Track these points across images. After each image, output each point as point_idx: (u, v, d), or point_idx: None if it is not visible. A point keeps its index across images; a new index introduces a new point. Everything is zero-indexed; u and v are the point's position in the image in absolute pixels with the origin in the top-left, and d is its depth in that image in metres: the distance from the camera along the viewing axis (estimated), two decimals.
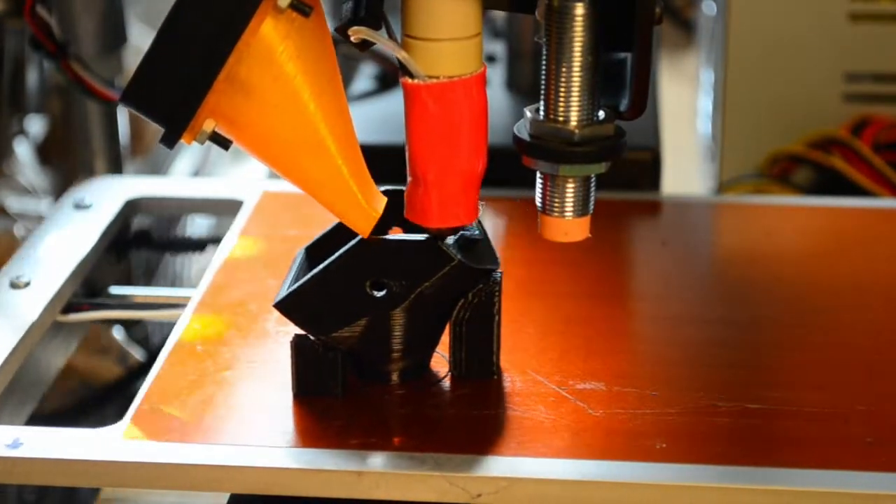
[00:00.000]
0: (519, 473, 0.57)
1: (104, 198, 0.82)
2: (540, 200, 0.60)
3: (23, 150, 1.08)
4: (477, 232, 0.62)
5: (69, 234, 0.77)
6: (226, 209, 0.82)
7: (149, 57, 0.54)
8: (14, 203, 1.05)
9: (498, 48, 1.02)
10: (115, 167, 1.00)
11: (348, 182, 0.58)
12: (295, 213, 0.80)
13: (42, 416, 0.71)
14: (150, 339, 0.96)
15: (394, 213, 0.61)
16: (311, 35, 0.56)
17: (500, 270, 0.62)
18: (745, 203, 0.86)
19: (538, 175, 0.60)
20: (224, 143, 0.57)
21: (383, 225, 0.60)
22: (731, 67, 0.95)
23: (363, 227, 0.59)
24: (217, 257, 0.75)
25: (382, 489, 0.57)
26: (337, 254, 0.60)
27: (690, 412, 0.61)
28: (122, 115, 1.02)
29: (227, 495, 0.61)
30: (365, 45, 0.57)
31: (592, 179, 0.60)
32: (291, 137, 0.56)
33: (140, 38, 1.10)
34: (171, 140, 0.56)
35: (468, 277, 0.61)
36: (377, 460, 0.58)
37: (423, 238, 0.60)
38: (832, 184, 0.92)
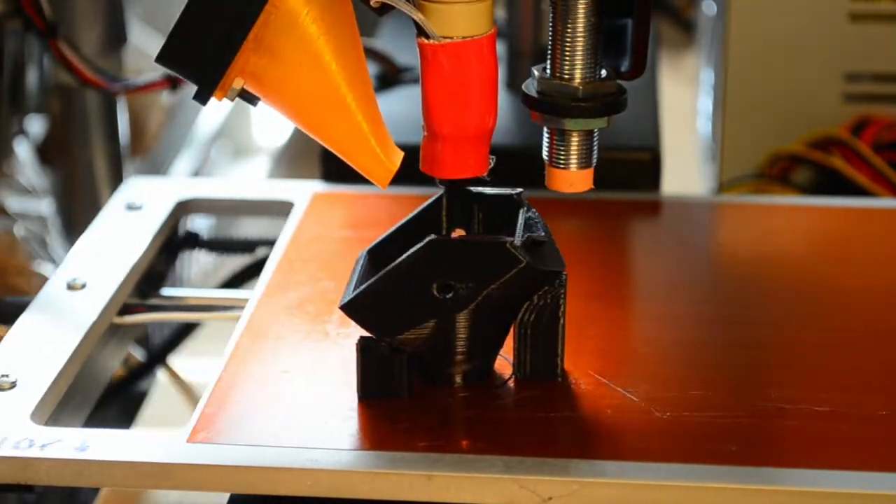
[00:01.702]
0: (590, 476, 0.57)
1: (155, 199, 0.82)
2: (547, 153, 0.64)
3: (23, 150, 1.08)
4: (542, 234, 0.62)
5: (122, 235, 0.78)
6: (276, 211, 0.82)
7: (182, 20, 0.58)
8: (14, 203, 1.05)
9: (498, 48, 1.02)
10: (115, 167, 1.00)
11: (368, 137, 0.60)
12: (345, 215, 0.81)
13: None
14: (150, 340, 0.96)
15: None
16: None
17: (565, 273, 0.62)
18: (745, 203, 0.86)
19: (545, 130, 0.63)
20: (252, 100, 0.60)
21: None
22: (731, 67, 0.95)
23: (381, 179, 0.61)
24: (271, 259, 0.75)
25: (453, 492, 0.57)
26: (404, 256, 0.61)
27: (756, 415, 0.61)
28: (122, 115, 1.02)
29: (227, 495, 0.61)
30: (384, 9, 0.59)
31: (595, 134, 0.63)
32: (315, 95, 0.59)
33: (140, 38, 1.10)
34: (204, 96, 0.59)
35: (535, 279, 0.62)
36: (446, 463, 0.58)
37: (490, 240, 0.61)
38: (832, 184, 0.92)
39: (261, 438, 0.60)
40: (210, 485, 0.58)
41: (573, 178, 0.63)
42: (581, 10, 0.61)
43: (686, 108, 1.19)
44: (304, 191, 0.83)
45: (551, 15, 0.62)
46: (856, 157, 0.91)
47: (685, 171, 1.10)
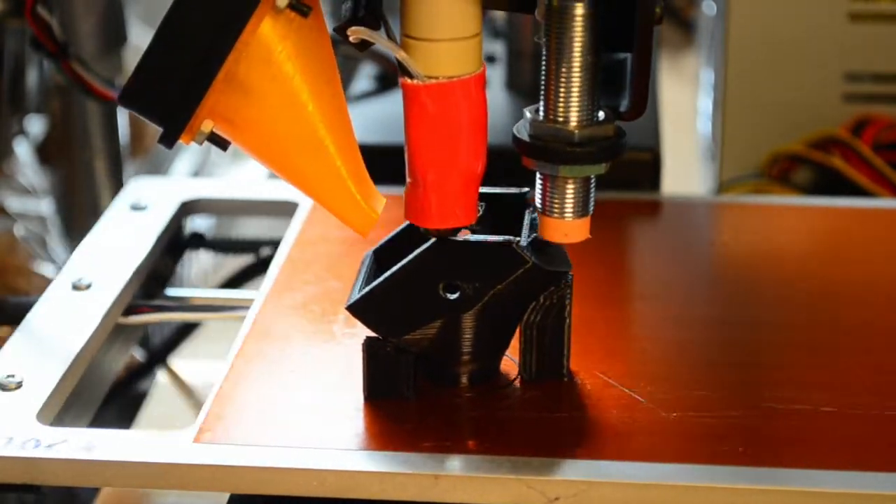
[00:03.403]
0: (597, 476, 0.57)
1: (160, 199, 0.82)
2: (540, 201, 0.60)
3: (23, 150, 1.08)
4: None
5: (127, 235, 0.78)
6: (281, 211, 0.82)
7: (147, 57, 0.54)
8: (14, 203, 1.05)
9: (498, 48, 1.02)
10: (115, 167, 1.00)
11: (347, 183, 0.58)
12: None
13: None
14: (150, 340, 0.96)
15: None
16: (310, 35, 0.56)
17: (571, 273, 0.62)
18: (745, 203, 0.86)
19: (538, 176, 0.60)
20: (222, 144, 0.56)
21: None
22: (731, 67, 0.95)
23: (362, 227, 0.59)
24: (276, 259, 0.75)
25: (459, 492, 0.57)
26: (410, 256, 0.60)
27: (760, 416, 0.61)
28: (122, 115, 1.02)
29: (227, 495, 0.61)
30: (364, 46, 0.57)
31: (592, 180, 0.60)
32: (290, 138, 0.56)
33: (140, 38, 1.10)
34: (169, 140, 0.55)
35: (541, 280, 0.61)
36: (453, 463, 0.58)
37: (497, 240, 0.60)
38: (832, 184, 0.92)
39: (267, 439, 0.60)
40: (216, 485, 0.58)
41: (568, 228, 0.60)
42: (577, 48, 0.57)
43: (686, 108, 1.20)
44: None
45: (545, 52, 0.57)
46: (856, 157, 0.91)
47: (685, 171, 1.11)
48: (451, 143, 0.58)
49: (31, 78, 1.01)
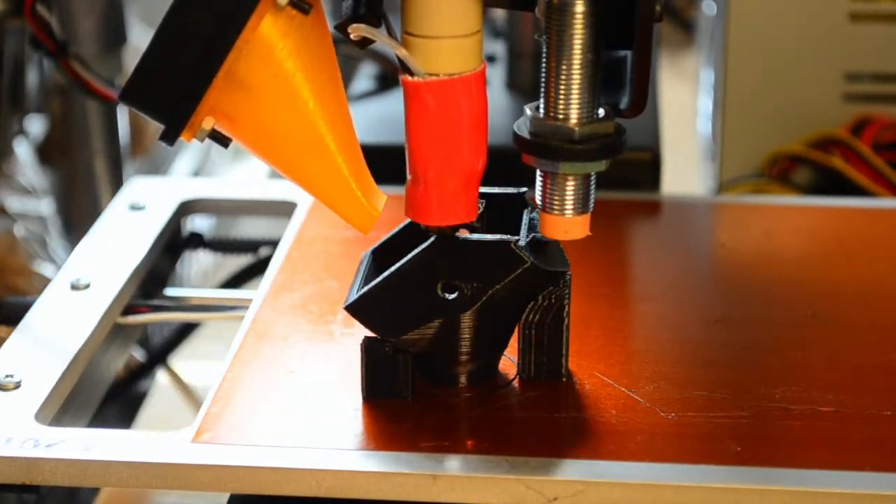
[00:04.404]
0: (595, 477, 0.57)
1: (158, 199, 0.82)
2: (540, 198, 0.60)
3: (23, 150, 1.08)
4: None
5: (125, 235, 0.78)
6: (279, 211, 0.82)
7: (148, 54, 0.54)
8: (14, 203, 1.05)
9: (498, 48, 1.02)
10: (115, 167, 1.00)
11: (348, 180, 0.58)
12: None
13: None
14: (150, 340, 0.96)
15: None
16: (311, 33, 0.56)
17: (570, 273, 0.62)
18: (745, 203, 0.86)
19: (538, 173, 0.60)
20: (223, 141, 0.57)
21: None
22: (731, 67, 0.95)
23: (363, 225, 0.59)
24: (274, 260, 0.75)
25: (458, 492, 0.57)
26: (409, 256, 0.60)
27: (760, 416, 0.61)
28: (122, 115, 1.02)
29: (227, 495, 0.61)
30: (364, 43, 0.57)
31: (592, 177, 0.60)
32: (290, 135, 0.56)
33: (140, 38, 1.10)
34: (170, 138, 0.56)
35: (539, 280, 0.61)
36: (451, 463, 0.58)
37: (495, 240, 0.60)
38: (832, 184, 0.92)
39: (265, 439, 0.60)
40: (215, 485, 0.58)
41: (568, 225, 0.60)
42: (577, 45, 0.57)
43: (686, 108, 1.20)
44: None
45: (545, 50, 0.58)
46: (856, 157, 0.91)
47: (685, 171, 1.11)
48: (451, 140, 0.58)
49: (31, 78, 1.01)
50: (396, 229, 0.64)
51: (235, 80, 0.55)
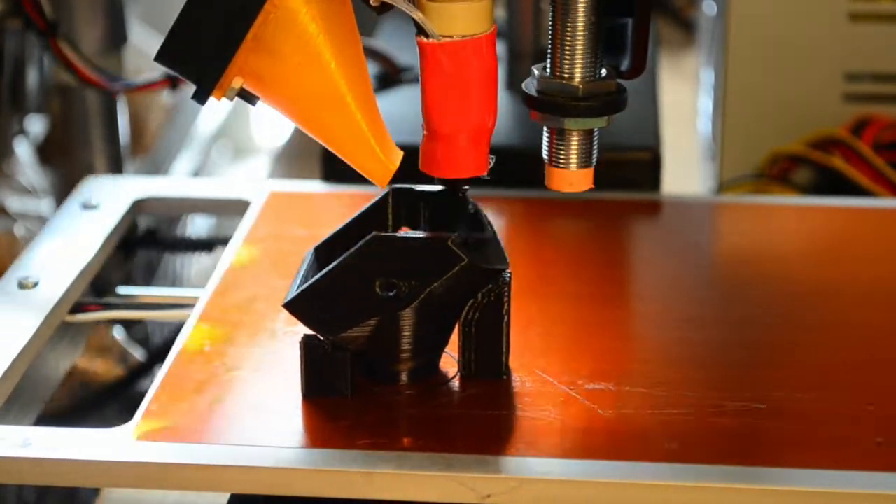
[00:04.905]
0: (529, 473, 0.57)
1: (111, 198, 0.82)
2: (546, 153, 0.63)
3: (23, 150, 1.08)
4: (487, 232, 0.63)
5: (76, 233, 0.77)
6: (233, 209, 0.82)
7: (181, 18, 0.58)
8: (14, 203, 1.05)
9: (498, 48, 1.02)
10: (116, 167, 1.00)
11: (367, 136, 0.60)
12: (301, 214, 0.80)
13: (42, 417, 0.71)
14: (150, 340, 0.96)
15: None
16: None
17: (509, 271, 0.62)
18: (745, 203, 0.86)
19: (545, 129, 0.63)
20: (251, 99, 0.60)
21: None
22: (731, 67, 0.95)
23: (381, 178, 0.61)
24: (224, 258, 0.75)
25: (393, 490, 0.57)
26: (346, 254, 0.61)
27: (697, 412, 0.61)
28: (122, 116, 1.02)
29: (228, 495, 0.61)
30: (383, 8, 0.59)
31: (595, 133, 0.63)
32: (314, 94, 0.59)
33: (140, 38, 1.10)
34: (202, 96, 0.59)
35: (478, 277, 0.62)
36: (386, 461, 0.58)
37: (432, 237, 0.61)
38: (832, 184, 0.92)
39: (205, 436, 0.60)
40: (151, 483, 0.59)
41: (573, 178, 0.63)
42: (581, 9, 0.61)
43: (686, 108, 1.20)
44: (260, 190, 0.83)
45: (551, 14, 0.62)
46: (856, 157, 0.91)
47: (685, 171, 1.11)
48: (463, 97, 0.61)
49: (31, 78, 1.01)
50: (339, 227, 0.65)
51: (263, 43, 0.58)
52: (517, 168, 0.72)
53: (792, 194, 0.92)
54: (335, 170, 0.85)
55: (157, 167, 1.22)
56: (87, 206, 0.81)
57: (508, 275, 0.62)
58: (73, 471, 0.59)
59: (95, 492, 0.81)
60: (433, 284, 0.61)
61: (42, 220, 1.05)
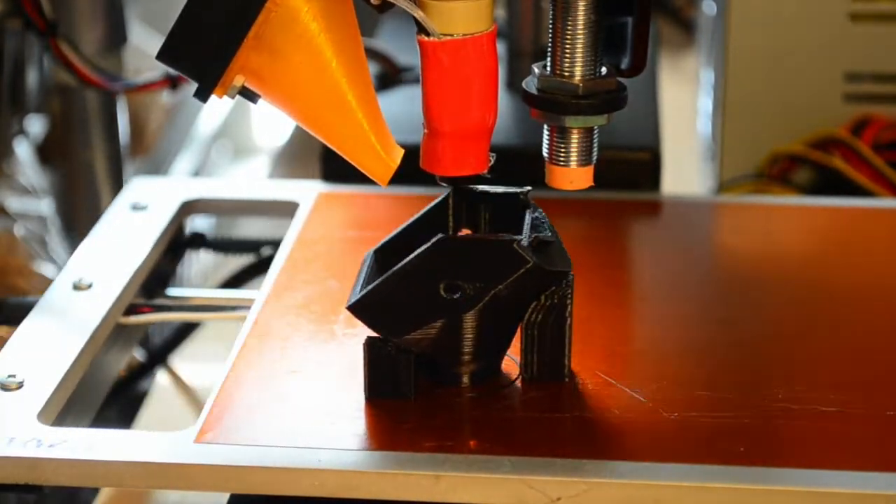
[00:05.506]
0: (599, 476, 0.57)
1: (160, 199, 0.82)
2: (547, 151, 0.64)
3: (23, 150, 1.08)
4: (549, 234, 0.63)
5: (127, 235, 0.78)
6: (282, 211, 0.82)
7: (183, 17, 0.58)
8: (14, 203, 1.05)
9: (498, 47, 1.02)
10: (116, 167, 1.00)
11: (368, 134, 0.60)
12: (351, 215, 0.81)
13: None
14: (150, 340, 0.96)
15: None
16: None
17: (572, 273, 0.62)
18: (745, 203, 0.86)
19: (545, 127, 0.63)
20: (252, 97, 0.60)
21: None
22: (731, 67, 0.95)
23: (382, 176, 0.61)
24: (277, 260, 0.75)
25: (460, 493, 0.57)
26: (412, 255, 0.61)
27: (756, 414, 0.61)
28: (122, 115, 1.02)
29: (228, 495, 0.61)
30: (384, 7, 0.60)
31: (595, 131, 0.63)
32: (315, 93, 0.59)
33: (140, 38, 1.10)
34: (204, 94, 0.59)
35: (542, 280, 0.62)
36: (454, 463, 0.58)
37: (499, 239, 0.61)
38: (832, 184, 0.92)
39: (268, 439, 0.60)
40: (217, 485, 0.58)
41: (573, 176, 0.64)
42: (581, 8, 0.61)
43: (686, 108, 1.20)
44: (309, 191, 0.83)
45: (551, 12, 0.62)
46: (856, 157, 0.91)
47: (685, 171, 1.11)
48: (464, 95, 0.61)
49: (31, 78, 1.01)
50: (399, 229, 0.65)
51: (264, 41, 0.58)
52: (517, 167, 0.72)
53: (792, 194, 0.92)
54: (335, 169, 0.85)
55: (157, 167, 1.22)
56: (136, 208, 0.81)
57: (572, 277, 0.62)
58: (138, 473, 0.58)
59: (95, 492, 0.81)
60: (498, 286, 0.61)
61: (42, 221, 1.05)
